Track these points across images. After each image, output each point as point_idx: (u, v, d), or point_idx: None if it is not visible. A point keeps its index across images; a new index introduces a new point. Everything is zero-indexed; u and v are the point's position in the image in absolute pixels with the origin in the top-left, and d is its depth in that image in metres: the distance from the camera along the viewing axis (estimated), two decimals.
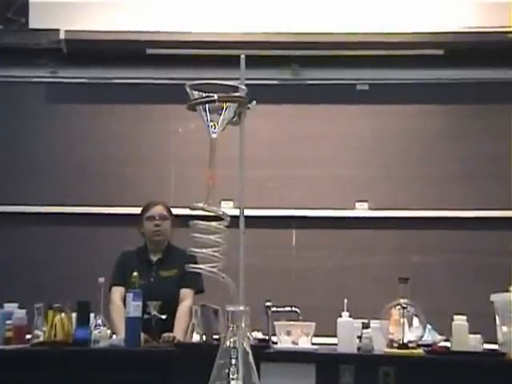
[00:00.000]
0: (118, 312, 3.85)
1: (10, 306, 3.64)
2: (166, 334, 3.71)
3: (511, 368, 3.31)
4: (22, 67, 5.13)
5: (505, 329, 3.47)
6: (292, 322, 3.63)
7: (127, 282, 3.73)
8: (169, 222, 4.11)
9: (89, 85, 5.15)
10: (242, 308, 1.92)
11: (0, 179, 5.05)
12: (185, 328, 3.84)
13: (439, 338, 3.67)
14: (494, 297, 3.54)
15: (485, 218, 4.88)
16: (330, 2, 4.97)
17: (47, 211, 4.99)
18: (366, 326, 3.57)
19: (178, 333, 3.80)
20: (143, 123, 5.13)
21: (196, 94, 1.98)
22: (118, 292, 3.95)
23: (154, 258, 4.13)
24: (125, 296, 3.70)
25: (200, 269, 1.96)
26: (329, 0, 4.98)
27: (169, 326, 3.82)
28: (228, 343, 1.89)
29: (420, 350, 3.43)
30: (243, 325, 1.91)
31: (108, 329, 3.56)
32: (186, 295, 4.00)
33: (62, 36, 4.95)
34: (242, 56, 2.06)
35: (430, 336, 3.63)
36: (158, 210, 4.12)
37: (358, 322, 3.56)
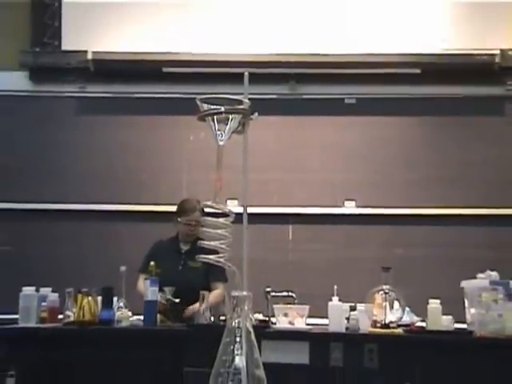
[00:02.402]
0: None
1: (45, 291, 3.66)
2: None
3: (478, 344, 3.34)
4: (55, 84, 5.13)
5: (472, 310, 3.49)
6: (289, 306, 3.64)
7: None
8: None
9: (113, 99, 5.15)
10: (245, 293, 1.94)
11: (35, 182, 5.06)
12: (211, 302, 3.74)
13: (416, 319, 3.67)
14: (463, 283, 3.56)
15: (458, 216, 4.88)
16: (323, 28, 4.99)
17: (76, 208, 4.98)
18: (353, 309, 3.57)
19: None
20: (159, 132, 5.14)
21: (205, 106, 2.00)
22: (142, 280, 3.89)
23: (184, 248, 4.13)
24: None
25: (209, 259, 1.98)
26: (322, 26, 4.99)
27: (181, 309, 3.84)
28: (233, 323, 1.91)
29: (399, 330, 3.45)
30: (246, 308, 1.92)
31: (129, 310, 3.59)
32: (218, 286, 3.97)
33: (89, 56, 4.97)
34: (246, 73, 2.08)
35: (408, 317, 3.63)
36: (196, 216, 4.02)
37: (346, 306, 3.57)
